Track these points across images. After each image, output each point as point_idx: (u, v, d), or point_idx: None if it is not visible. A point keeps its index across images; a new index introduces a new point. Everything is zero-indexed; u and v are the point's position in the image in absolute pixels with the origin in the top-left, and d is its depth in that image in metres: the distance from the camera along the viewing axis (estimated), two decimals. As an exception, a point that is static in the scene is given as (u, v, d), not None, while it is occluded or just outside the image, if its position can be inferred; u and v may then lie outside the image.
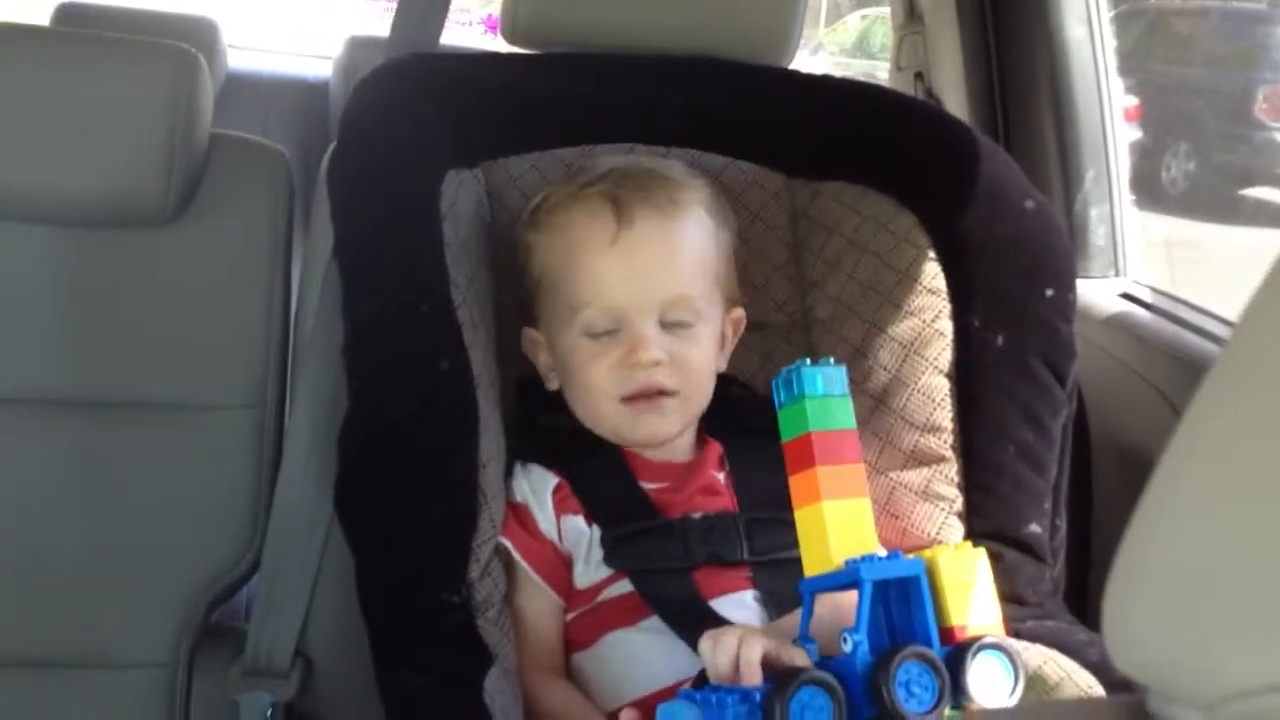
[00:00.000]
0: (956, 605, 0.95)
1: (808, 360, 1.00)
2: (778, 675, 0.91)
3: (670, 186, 1.19)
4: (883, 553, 0.96)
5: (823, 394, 0.99)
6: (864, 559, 0.94)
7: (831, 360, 1.01)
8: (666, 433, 1.18)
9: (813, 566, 0.98)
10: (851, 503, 0.98)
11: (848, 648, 0.93)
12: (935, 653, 0.91)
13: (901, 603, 0.96)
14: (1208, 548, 0.39)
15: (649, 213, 1.16)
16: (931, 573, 0.95)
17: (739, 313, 1.25)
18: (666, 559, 1.12)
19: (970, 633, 0.94)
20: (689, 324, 1.17)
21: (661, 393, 1.15)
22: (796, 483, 0.99)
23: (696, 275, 1.18)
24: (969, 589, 0.96)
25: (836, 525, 0.97)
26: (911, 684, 0.90)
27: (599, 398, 1.16)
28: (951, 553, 0.97)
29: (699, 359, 1.17)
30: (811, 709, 0.89)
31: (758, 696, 0.90)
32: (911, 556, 0.96)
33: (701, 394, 1.19)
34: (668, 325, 1.15)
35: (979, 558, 0.98)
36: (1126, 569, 0.42)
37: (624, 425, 1.16)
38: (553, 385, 1.21)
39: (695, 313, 1.17)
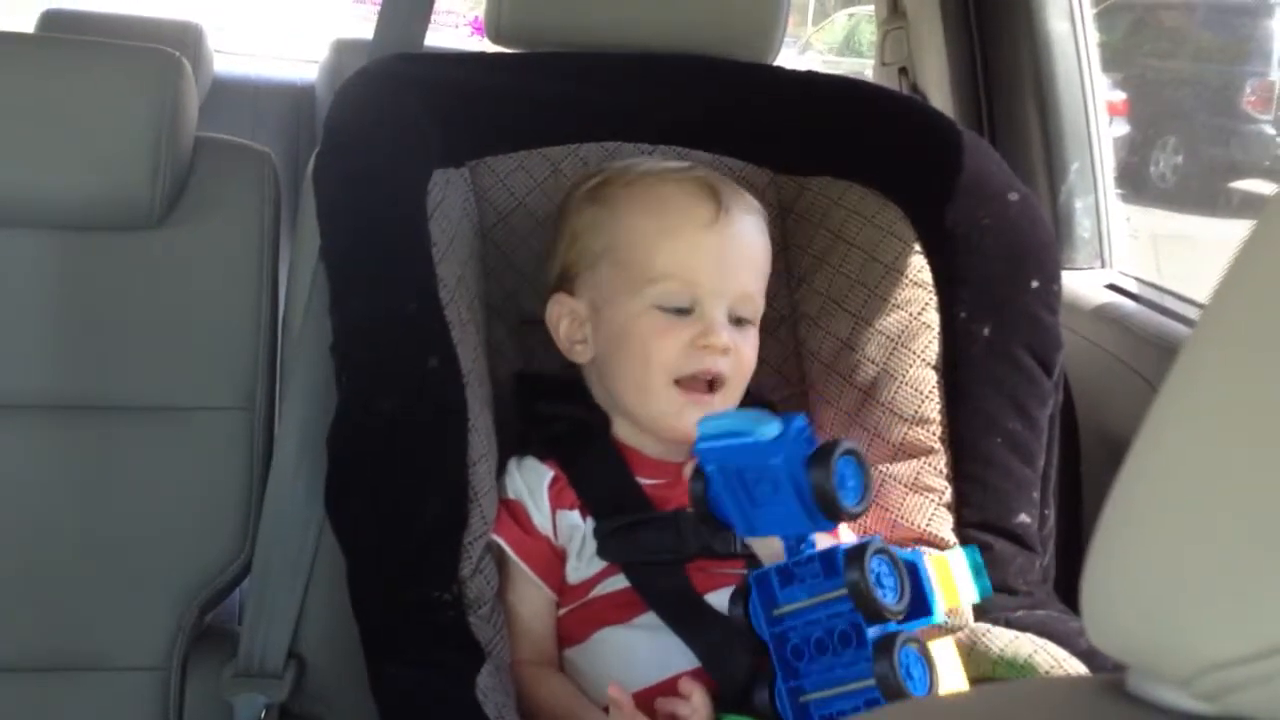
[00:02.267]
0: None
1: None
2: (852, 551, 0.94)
3: (745, 191, 1.23)
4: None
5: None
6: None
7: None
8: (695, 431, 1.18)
9: None
10: None
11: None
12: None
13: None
14: (1181, 526, 0.39)
15: (745, 207, 1.20)
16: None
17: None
18: (659, 552, 1.12)
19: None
20: (750, 321, 1.18)
21: (714, 383, 1.15)
22: None
23: (763, 277, 1.21)
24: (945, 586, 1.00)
25: None
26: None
27: (655, 373, 1.15)
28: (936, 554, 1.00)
29: (750, 358, 1.19)
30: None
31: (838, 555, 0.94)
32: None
33: (740, 393, 1.19)
34: (733, 318, 1.17)
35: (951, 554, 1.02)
36: (1104, 549, 0.42)
37: (669, 410, 1.15)
38: (578, 357, 1.21)
39: (756, 311, 1.19)
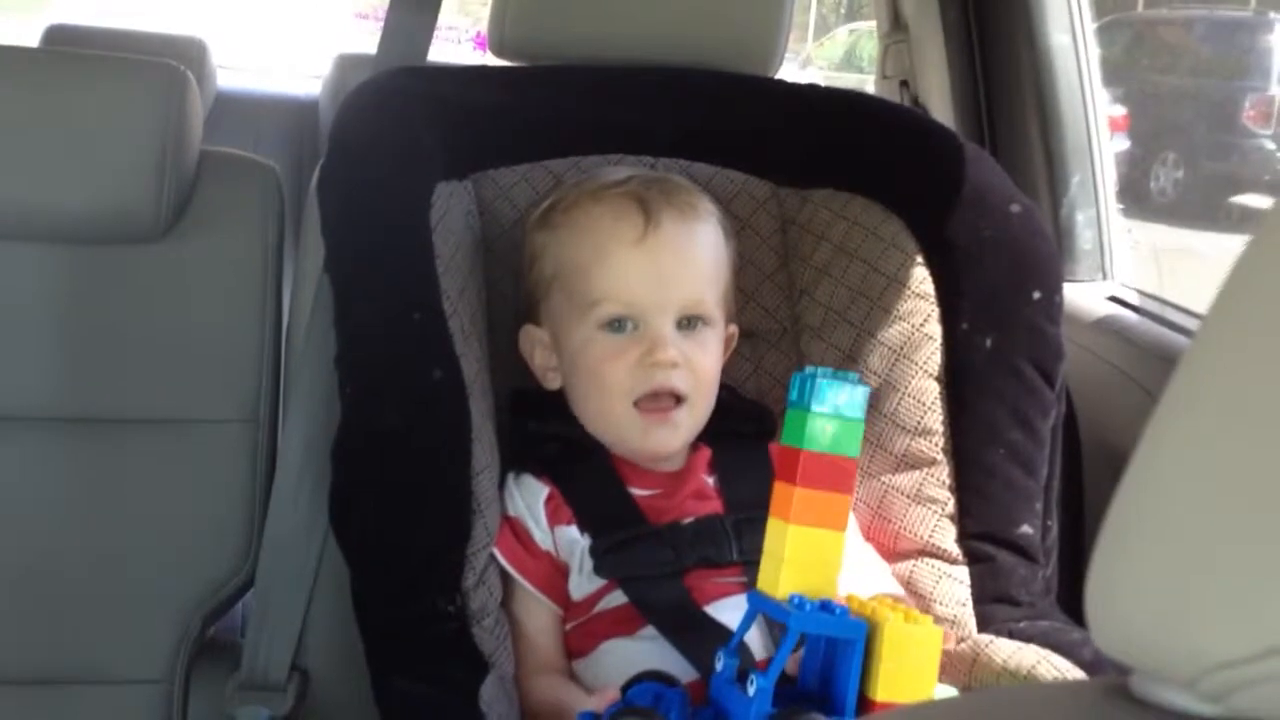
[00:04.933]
0: (887, 680, 0.90)
1: (830, 371, 0.97)
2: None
3: (689, 194, 1.21)
4: (840, 598, 0.94)
5: (830, 413, 0.95)
6: (801, 606, 0.90)
7: (857, 378, 0.97)
8: (673, 446, 1.18)
9: (765, 581, 0.95)
10: (822, 534, 0.94)
11: (719, 665, 0.92)
12: None
13: (832, 653, 0.93)
14: (1184, 527, 0.40)
15: (674, 215, 1.17)
16: (873, 638, 0.91)
17: (733, 328, 1.25)
18: (656, 565, 1.12)
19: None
20: (703, 326, 1.17)
21: (674, 397, 1.15)
22: (778, 489, 0.96)
23: (712, 282, 1.19)
24: (907, 666, 0.91)
25: (796, 554, 0.93)
26: None
27: (612, 398, 1.16)
28: (901, 625, 0.91)
29: (709, 365, 1.18)
30: None
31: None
32: (858, 616, 0.92)
33: (707, 402, 1.19)
34: (683, 328, 1.16)
35: (931, 638, 0.93)
36: (1108, 551, 0.43)
37: (633, 433, 1.16)
38: (551, 385, 1.21)
39: (709, 316, 1.18)
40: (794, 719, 0.87)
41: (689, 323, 1.16)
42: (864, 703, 0.90)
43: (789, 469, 0.96)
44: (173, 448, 1.33)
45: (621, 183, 1.19)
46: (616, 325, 1.15)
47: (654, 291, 1.15)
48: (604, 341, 1.15)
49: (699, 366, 1.16)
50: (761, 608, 0.95)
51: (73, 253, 1.33)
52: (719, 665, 0.96)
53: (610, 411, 1.16)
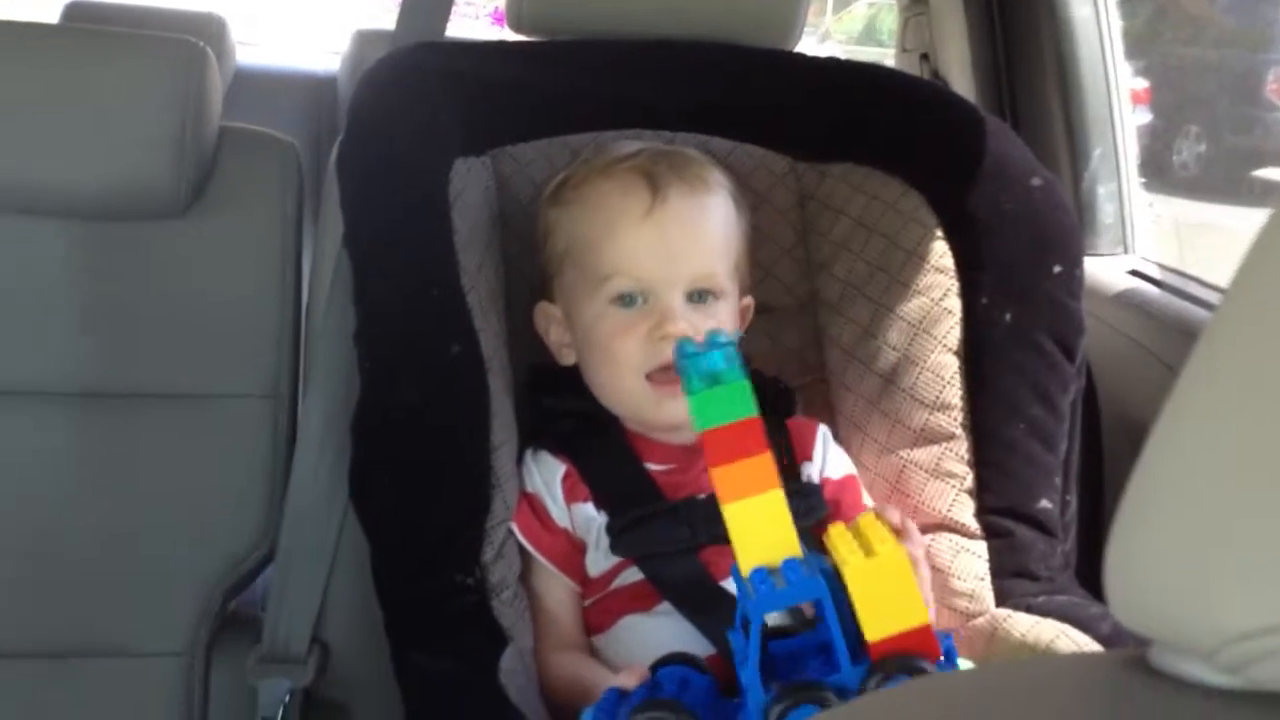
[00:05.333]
0: (869, 618, 0.87)
1: (692, 343, 0.96)
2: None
3: (699, 167, 1.21)
4: (799, 552, 0.92)
5: (708, 385, 0.94)
6: (759, 584, 0.89)
7: (724, 334, 0.97)
8: (685, 416, 1.18)
9: (738, 565, 0.93)
10: (755, 501, 0.92)
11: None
12: (843, 674, 0.87)
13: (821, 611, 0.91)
14: (1203, 499, 0.40)
15: (682, 189, 1.17)
16: (841, 582, 0.88)
17: (748, 300, 1.25)
18: (671, 542, 1.12)
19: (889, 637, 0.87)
20: (714, 299, 1.17)
21: None
22: (709, 475, 0.95)
23: (722, 254, 1.19)
24: (883, 598, 0.88)
25: (741, 530, 0.92)
26: None
27: (623, 371, 1.16)
28: (859, 563, 0.88)
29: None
30: None
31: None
32: (818, 570, 0.89)
33: None
34: (693, 300, 1.16)
35: (891, 563, 0.88)
36: (1127, 524, 0.43)
37: (645, 404, 1.16)
38: (566, 360, 1.21)
39: (720, 289, 1.17)
40: (786, 699, 0.85)
41: (699, 295, 1.16)
42: (865, 645, 0.88)
43: (705, 453, 0.95)
44: (193, 423, 1.34)
45: (630, 157, 1.20)
46: (626, 300, 1.15)
47: (662, 265, 1.15)
48: (614, 316, 1.15)
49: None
50: (739, 593, 0.94)
51: (93, 229, 1.33)
52: (733, 648, 0.95)
53: (622, 385, 1.17)
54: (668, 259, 1.15)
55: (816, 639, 0.92)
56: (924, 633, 0.88)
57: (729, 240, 1.20)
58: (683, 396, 1.13)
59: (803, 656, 0.93)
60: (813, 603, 0.91)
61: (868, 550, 0.89)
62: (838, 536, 0.92)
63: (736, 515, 0.92)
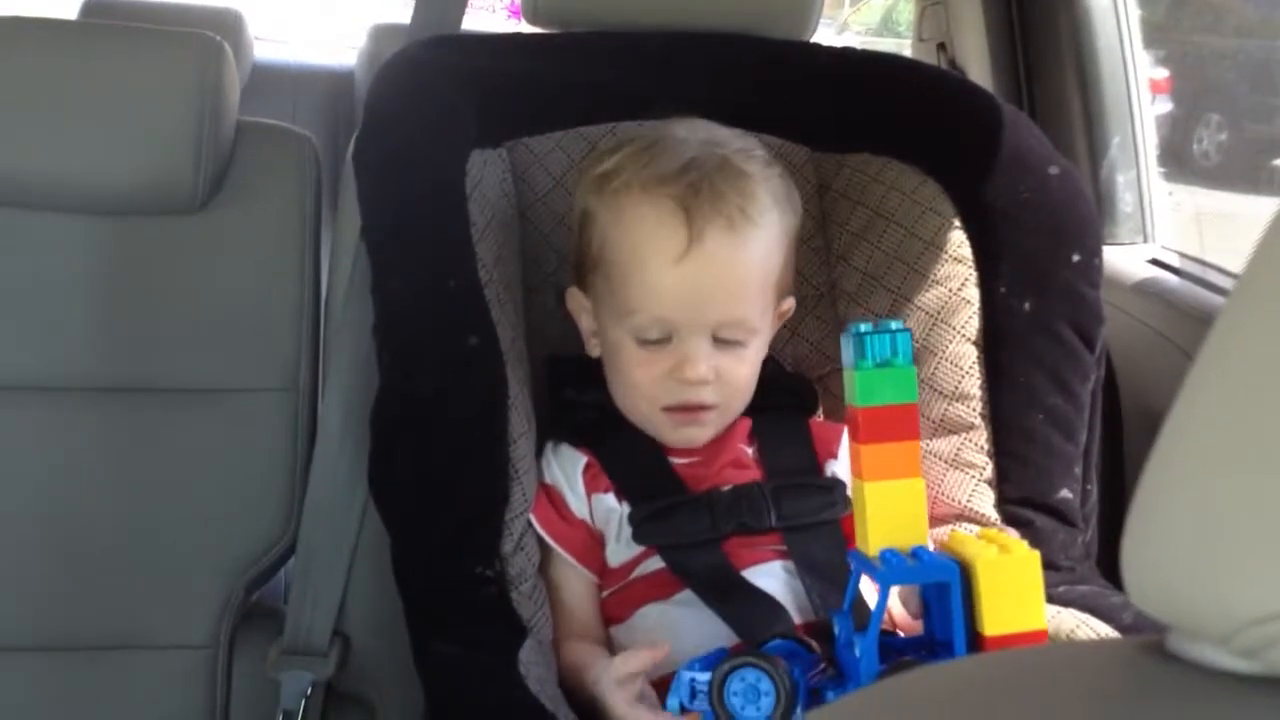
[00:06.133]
0: (991, 614, 0.90)
1: (869, 326, 0.97)
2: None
3: (742, 197, 1.12)
4: (927, 542, 0.95)
5: (877, 365, 0.95)
6: (889, 560, 0.91)
7: (899, 324, 0.98)
8: (702, 440, 1.18)
9: (860, 541, 0.96)
10: (897, 484, 0.94)
11: (836, 630, 0.92)
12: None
13: (938, 600, 0.93)
14: (1219, 484, 0.40)
15: (720, 229, 1.11)
16: (970, 575, 0.91)
17: (789, 303, 1.23)
18: (694, 533, 1.12)
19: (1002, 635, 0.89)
20: (741, 343, 1.15)
21: (702, 407, 1.15)
22: (852, 450, 0.98)
23: (758, 295, 1.15)
24: (1008, 596, 0.90)
25: (877, 509, 0.94)
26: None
27: (639, 401, 1.16)
28: (993, 557, 0.91)
29: (745, 376, 1.16)
30: (754, 689, 0.89)
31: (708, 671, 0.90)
32: (950, 557, 0.92)
33: (740, 403, 1.18)
34: (719, 342, 1.13)
35: (1025, 564, 0.91)
36: (1144, 509, 0.43)
37: (661, 429, 1.16)
38: (594, 351, 1.20)
39: (749, 331, 1.15)
40: (900, 670, 0.87)
41: (724, 341, 1.14)
42: (979, 639, 0.90)
43: (854, 429, 0.97)
44: (214, 416, 1.34)
45: (675, 177, 1.12)
46: (650, 338, 1.13)
47: (689, 311, 1.12)
48: (636, 350, 1.14)
49: (732, 378, 1.15)
50: (861, 567, 0.96)
51: (112, 224, 1.34)
52: (836, 630, 0.97)
53: (638, 409, 1.17)
54: (696, 305, 1.12)
55: (917, 640, 0.95)
56: (1038, 639, 0.90)
57: (767, 275, 1.16)
58: (697, 424, 1.14)
59: (904, 652, 0.94)
60: (922, 600, 0.94)
61: (1001, 549, 0.92)
62: (960, 540, 0.95)
63: (875, 495, 0.95)
